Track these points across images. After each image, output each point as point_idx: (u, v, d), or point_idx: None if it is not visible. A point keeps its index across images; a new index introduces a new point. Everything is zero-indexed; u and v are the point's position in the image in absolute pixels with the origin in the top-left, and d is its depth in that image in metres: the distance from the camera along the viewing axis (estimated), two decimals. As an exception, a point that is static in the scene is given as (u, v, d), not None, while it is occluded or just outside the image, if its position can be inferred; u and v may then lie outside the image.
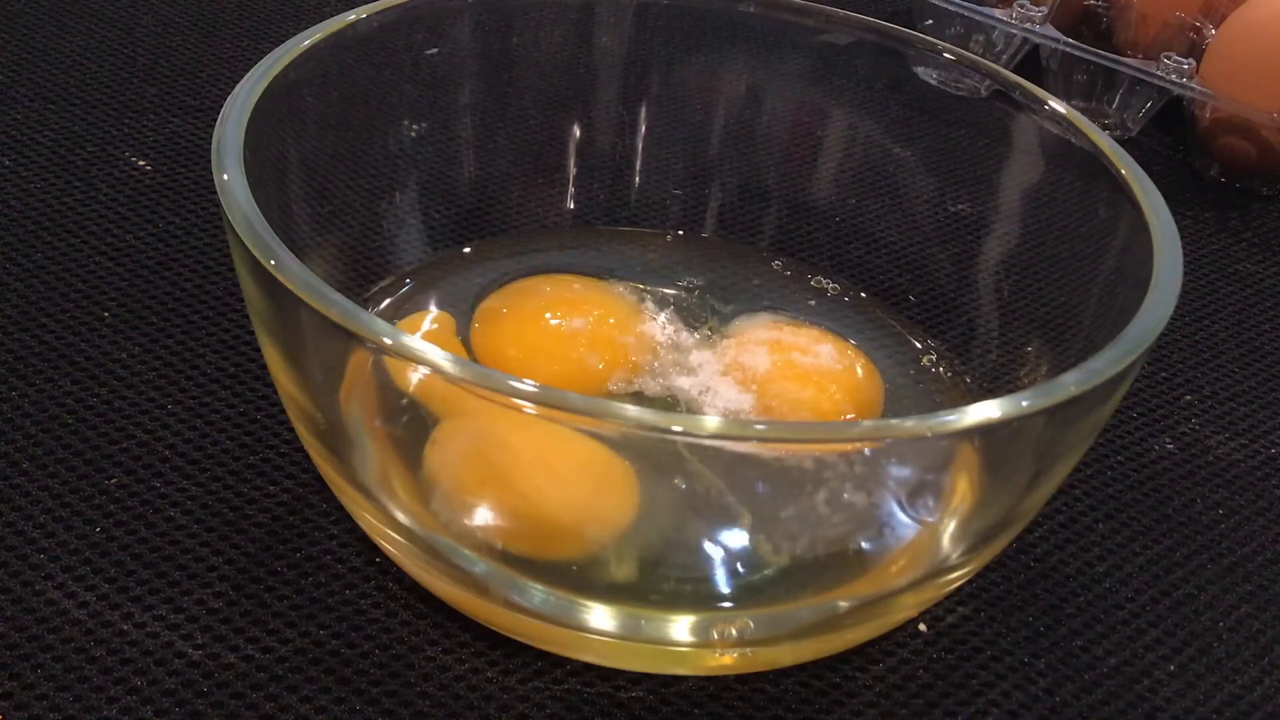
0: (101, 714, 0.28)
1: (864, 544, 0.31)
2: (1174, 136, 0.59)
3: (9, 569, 0.31)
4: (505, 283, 0.40)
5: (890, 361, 0.40)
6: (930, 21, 0.62)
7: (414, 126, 0.41)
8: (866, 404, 0.37)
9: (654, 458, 0.30)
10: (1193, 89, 0.55)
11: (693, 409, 0.36)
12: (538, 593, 0.29)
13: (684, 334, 0.39)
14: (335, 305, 0.25)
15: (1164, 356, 0.45)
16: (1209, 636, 0.34)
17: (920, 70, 0.41)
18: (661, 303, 0.40)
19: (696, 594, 0.30)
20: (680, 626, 0.30)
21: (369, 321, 0.25)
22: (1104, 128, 0.53)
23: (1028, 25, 0.58)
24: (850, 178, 0.44)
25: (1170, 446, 0.41)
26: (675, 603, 0.29)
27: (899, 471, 0.30)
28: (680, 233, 0.44)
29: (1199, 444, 0.41)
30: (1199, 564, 0.37)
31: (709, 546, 0.30)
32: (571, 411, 0.24)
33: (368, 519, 0.31)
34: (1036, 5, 0.59)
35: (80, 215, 0.43)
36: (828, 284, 0.42)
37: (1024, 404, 0.26)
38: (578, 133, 0.44)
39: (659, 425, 0.25)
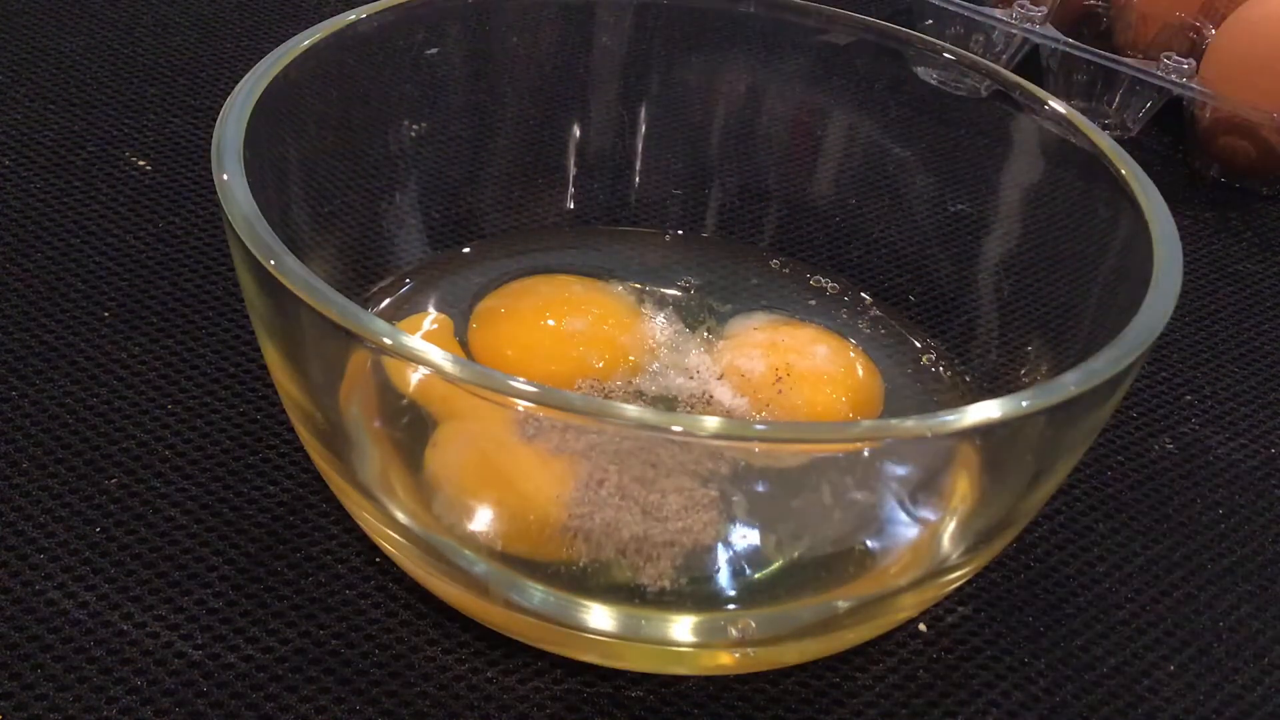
0: (101, 714, 0.28)
1: (864, 544, 0.31)
2: (1174, 136, 0.59)
3: (9, 569, 0.31)
4: (504, 283, 0.40)
5: (890, 361, 0.40)
6: (930, 21, 0.62)
7: (414, 126, 0.41)
8: (866, 404, 0.37)
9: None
10: (1193, 89, 0.55)
11: (692, 409, 0.36)
12: (538, 593, 0.29)
13: (683, 334, 0.39)
14: (335, 305, 0.25)
15: (1164, 356, 0.45)
16: (1209, 636, 0.34)
17: (920, 70, 0.41)
18: (660, 303, 0.40)
19: (697, 594, 0.30)
20: (680, 626, 0.30)
21: (369, 321, 0.25)
22: (1104, 128, 0.53)
23: (1028, 25, 0.58)
24: (850, 178, 0.44)
25: (1170, 446, 0.41)
26: (675, 603, 0.29)
27: (899, 471, 0.30)
28: (680, 232, 0.44)
29: (1199, 444, 0.41)
30: (1199, 564, 0.37)
31: (709, 546, 0.30)
32: (571, 411, 0.24)
33: (368, 519, 0.31)
34: (1036, 5, 0.59)
35: (80, 215, 0.43)
36: (827, 283, 0.42)
37: (1024, 404, 0.26)
38: (578, 133, 0.44)
39: (659, 425, 0.25)
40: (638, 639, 0.30)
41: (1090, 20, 0.65)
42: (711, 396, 0.36)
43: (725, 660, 0.31)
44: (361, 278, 0.39)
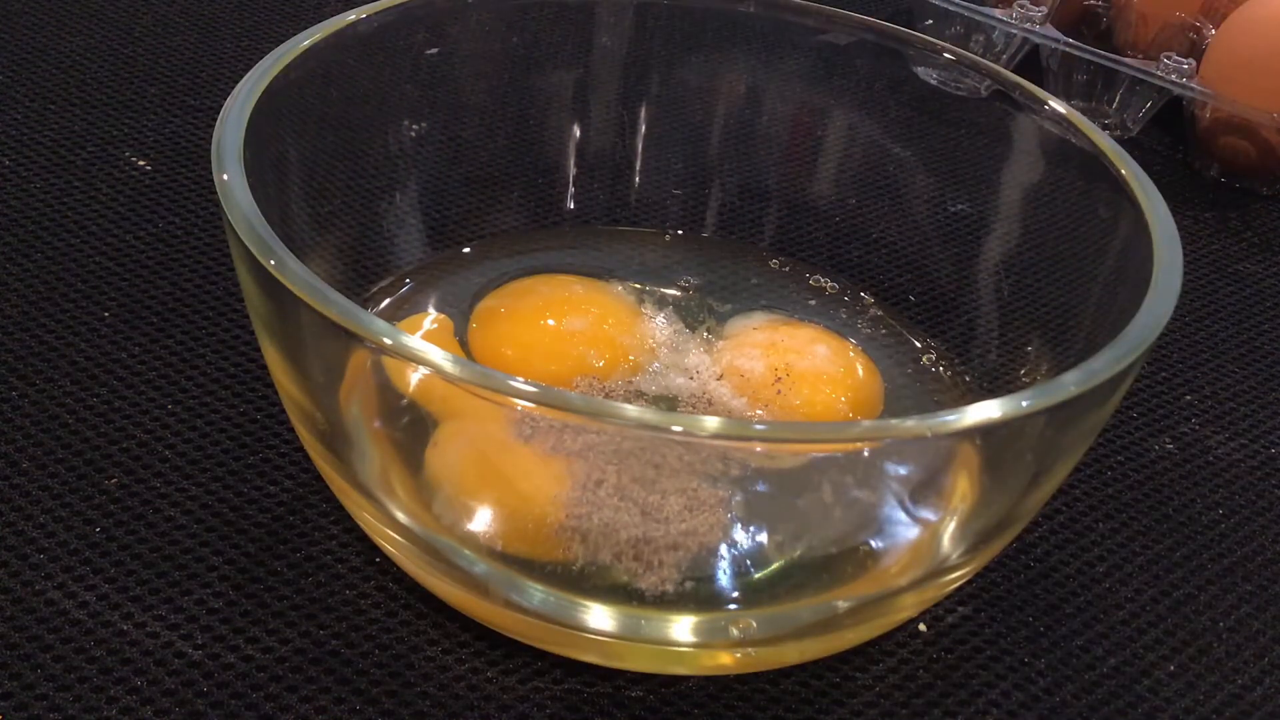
0: (101, 714, 0.28)
1: (864, 544, 0.31)
2: (1174, 136, 0.59)
3: (9, 569, 0.31)
4: (504, 283, 0.40)
5: (890, 361, 0.40)
6: (930, 21, 0.62)
7: (414, 126, 0.41)
8: (866, 404, 0.37)
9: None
10: (1193, 89, 0.55)
11: (693, 409, 0.36)
12: (538, 593, 0.29)
13: (683, 334, 0.39)
14: (335, 305, 0.25)
15: (1164, 356, 0.45)
16: (1209, 636, 0.34)
17: (920, 70, 0.41)
18: (660, 302, 0.40)
19: (697, 594, 0.30)
20: (680, 626, 0.30)
21: (369, 321, 0.25)
22: (1104, 128, 0.53)
23: (1028, 25, 0.58)
24: (850, 178, 0.44)
25: (1170, 446, 0.41)
26: (675, 603, 0.29)
27: (899, 471, 0.30)
28: (680, 232, 0.44)
29: (1199, 444, 0.41)
30: (1199, 564, 0.37)
31: (710, 547, 0.30)
32: (571, 411, 0.24)
33: (368, 519, 0.31)
34: (1036, 5, 0.59)
35: (80, 215, 0.43)
36: (827, 283, 0.42)
37: (1024, 404, 0.26)
38: (578, 133, 0.44)
39: (659, 425, 0.25)
40: (638, 639, 0.30)
41: (1090, 20, 0.65)
42: (711, 397, 0.36)
43: (725, 660, 0.31)
44: (361, 278, 0.39)
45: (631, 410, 0.24)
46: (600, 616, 0.29)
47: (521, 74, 0.43)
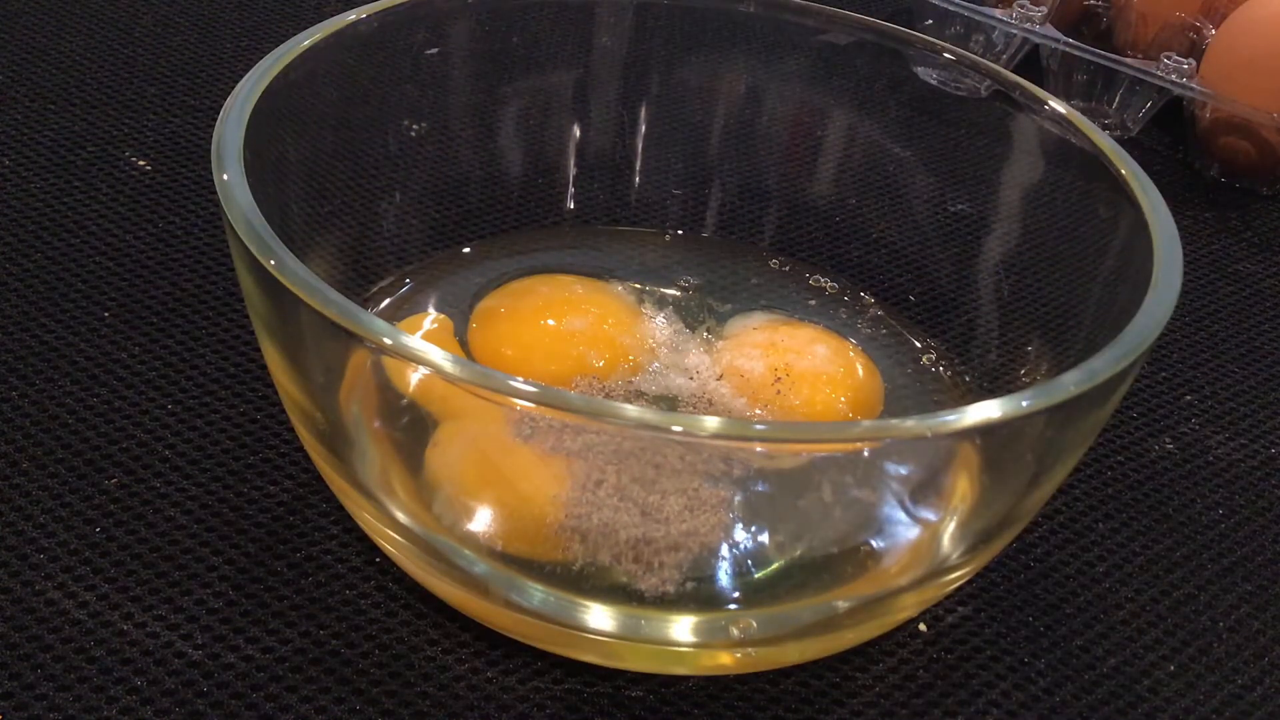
0: (101, 714, 0.28)
1: (864, 544, 0.31)
2: (1174, 136, 0.59)
3: (9, 569, 0.31)
4: (504, 283, 0.40)
5: (890, 361, 0.40)
6: (930, 21, 0.62)
7: (414, 126, 0.41)
8: (866, 404, 0.37)
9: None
10: (1193, 89, 0.55)
11: (694, 409, 0.36)
12: (538, 593, 0.29)
13: (683, 334, 0.39)
14: (335, 305, 0.25)
15: (1164, 356, 0.45)
16: (1209, 636, 0.34)
17: (920, 70, 0.41)
18: (660, 302, 0.40)
19: (697, 594, 0.30)
20: (680, 626, 0.30)
21: (369, 321, 0.25)
22: (1104, 128, 0.53)
23: (1028, 25, 0.58)
24: (850, 178, 0.44)
25: (1170, 446, 0.41)
26: (675, 603, 0.29)
27: (899, 471, 0.30)
28: (679, 232, 0.44)
29: (1199, 444, 0.41)
30: (1199, 564, 0.37)
31: (710, 548, 0.30)
32: (571, 411, 0.24)
33: (368, 519, 0.31)
34: (1036, 5, 0.59)
35: (80, 215, 0.43)
36: (827, 283, 0.42)
37: (1024, 404, 0.26)
38: (578, 133, 0.44)
39: (659, 425, 0.25)
40: (638, 639, 0.30)
41: (1090, 20, 0.65)
42: (711, 397, 0.36)
43: (725, 660, 0.31)
44: (361, 278, 0.39)
45: (631, 410, 0.24)
46: (600, 616, 0.29)
47: (521, 74, 0.43)
